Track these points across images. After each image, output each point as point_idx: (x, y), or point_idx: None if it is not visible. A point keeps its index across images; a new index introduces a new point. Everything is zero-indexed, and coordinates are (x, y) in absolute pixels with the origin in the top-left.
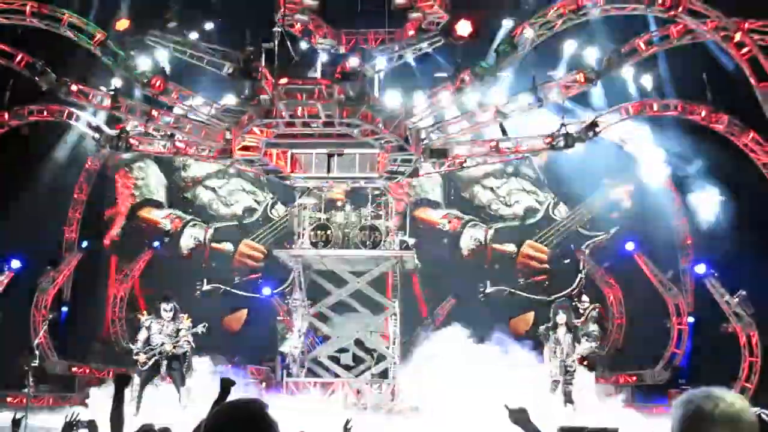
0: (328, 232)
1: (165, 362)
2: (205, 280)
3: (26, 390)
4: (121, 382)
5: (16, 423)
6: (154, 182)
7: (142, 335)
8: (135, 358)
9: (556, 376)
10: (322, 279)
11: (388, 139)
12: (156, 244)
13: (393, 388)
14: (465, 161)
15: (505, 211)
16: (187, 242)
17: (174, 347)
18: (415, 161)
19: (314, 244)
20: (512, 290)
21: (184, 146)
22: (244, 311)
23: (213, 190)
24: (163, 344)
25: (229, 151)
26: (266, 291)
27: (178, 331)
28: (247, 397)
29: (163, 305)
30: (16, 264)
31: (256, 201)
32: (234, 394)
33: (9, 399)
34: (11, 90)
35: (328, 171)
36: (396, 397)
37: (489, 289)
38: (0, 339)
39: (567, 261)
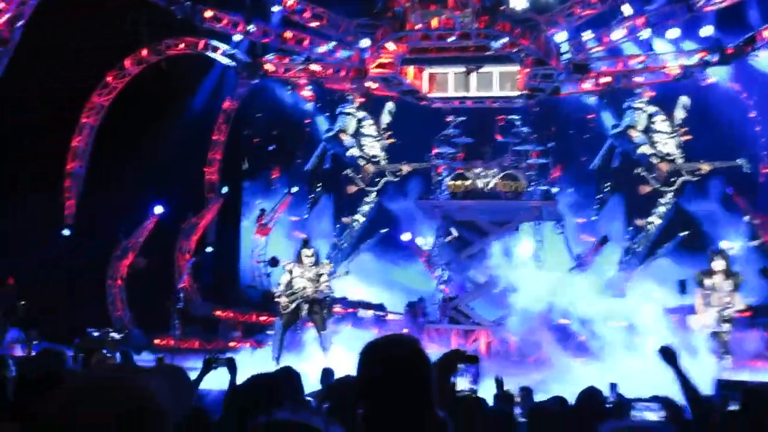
0: (468, 182)
1: (306, 306)
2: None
3: (172, 332)
4: (209, 365)
5: (207, 363)
6: None
7: (284, 279)
8: (276, 300)
9: (712, 326)
10: (462, 229)
11: (528, 52)
12: (295, 189)
13: None
14: (611, 80)
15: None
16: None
17: (315, 292)
18: (555, 77)
19: (453, 195)
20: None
21: (320, 68)
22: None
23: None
24: (304, 288)
25: (365, 71)
26: (406, 236)
27: (319, 276)
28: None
29: (305, 250)
30: (159, 210)
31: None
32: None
33: (156, 341)
34: (147, 24)
35: (467, 89)
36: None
37: None
38: (146, 284)
39: None
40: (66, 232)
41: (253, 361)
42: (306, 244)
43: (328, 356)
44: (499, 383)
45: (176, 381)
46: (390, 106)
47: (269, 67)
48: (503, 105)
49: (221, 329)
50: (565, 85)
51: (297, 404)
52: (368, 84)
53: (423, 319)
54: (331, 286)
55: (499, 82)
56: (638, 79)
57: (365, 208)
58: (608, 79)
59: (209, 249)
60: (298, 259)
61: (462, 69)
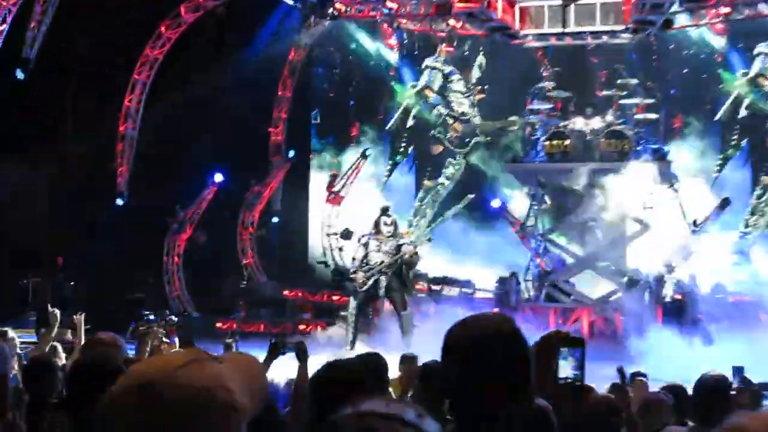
0: (566, 141)
1: (384, 283)
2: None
3: (235, 315)
4: (276, 350)
5: (274, 348)
6: None
7: (359, 253)
8: (351, 277)
9: None
10: (560, 195)
11: None
12: (371, 151)
13: None
14: (730, 11)
15: None
16: None
17: (395, 266)
18: (667, 8)
19: (550, 156)
20: None
21: (396, 6)
22: None
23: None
24: (382, 263)
25: (448, 6)
26: (496, 203)
27: (399, 247)
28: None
29: (383, 218)
30: (219, 178)
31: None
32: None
33: (218, 325)
34: None
35: (564, 24)
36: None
37: None
38: (206, 261)
39: None
40: (119, 201)
41: (325, 346)
42: (385, 212)
43: (408, 340)
44: (623, 374)
45: (250, 372)
46: (480, 60)
47: (340, 6)
48: (606, 42)
49: (289, 311)
50: (679, 17)
51: (383, 395)
52: (452, 22)
53: (516, 297)
54: (413, 258)
55: (601, 13)
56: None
57: (451, 170)
58: (727, 9)
59: (275, 220)
60: (376, 230)
61: (558, 0)
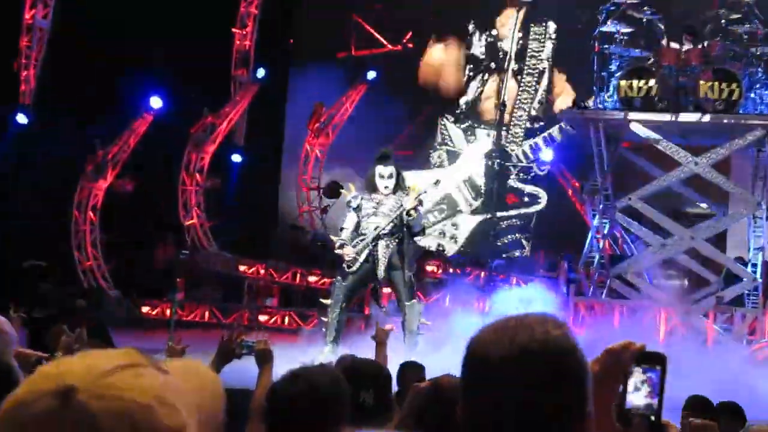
0: (651, 83)
1: (382, 258)
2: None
3: (170, 296)
4: (228, 353)
5: (225, 350)
6: None
7: (350, 219)
8: (338, 252)
9: None
10: (637, 158)
11: None
12: (372, 74)
13: (752, 322)
14: None
15: None
16: None
17: (395, 233)
18: None
19: (627, 102)
20: None
21: None
22: None
23: None
24: (377, 228)
25: None
26: (546, 155)
27: (400, 208)
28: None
29: (381, 169)
30: (156, 103)
31: None
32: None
33: (145, 310)
34: None
35: None
36: (759, 334)
37: None
38: (132, 220)
39: None
40: (22, 118)
41: (298, 347)
42: (384, 159)
43: (413, 343)
44: (726, 411)
45: (203, 388)
46: None
47: None
48: None
49: (247, 295)
50: None
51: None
52: None
53: (569, 289)
54: (419, 222)
55: None
56: None
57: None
58: None
59: (236, 159)
60: (371, 185)
61: None
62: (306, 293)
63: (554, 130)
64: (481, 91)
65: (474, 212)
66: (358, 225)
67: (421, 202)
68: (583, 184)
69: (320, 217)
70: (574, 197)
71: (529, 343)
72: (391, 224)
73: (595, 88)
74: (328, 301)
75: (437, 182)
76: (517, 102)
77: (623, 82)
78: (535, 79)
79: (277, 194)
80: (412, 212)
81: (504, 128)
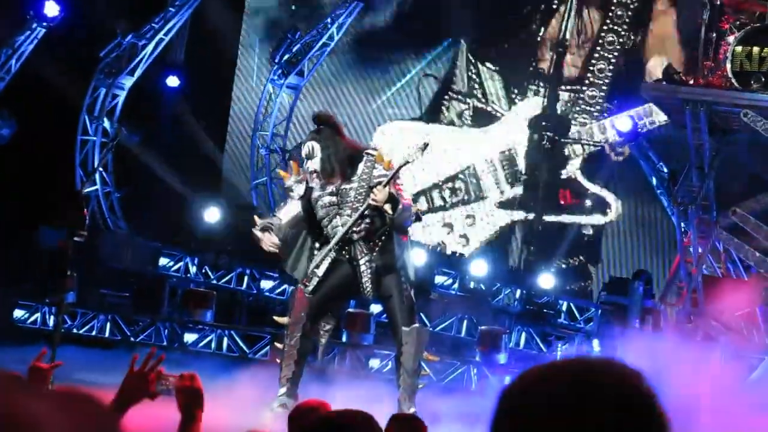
0: None
1: (367, 270)
2: None
3: (58, 298)
4: (140, 385)
5: (137, 380)
6: None
7: (289, 208)
8: (256, 235)
9: None
10: (749, 157)
11: None
12: None
13: None
14: None
15: None
16: None
17: (372, 235)
18: None
19: (742, 77)
20: None
21: None
22: None
23: None
24: (343, 228)
25: None
26: (624, 123)
27: (371, 189)
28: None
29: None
30: (52, 9)
31: None
32: None
33: (17, 313)
34: None
35: None
36: None
37: None
38: (6, 182)
39: None
40: None
41: (239, 387)
42: (312, 131)
43: (411, 391)
44: None
45: (89, 425)
46: None
47: None
48: None
49: (171, 303)
50: None
51: None
52: None
53: (643, 322)
54: (406, 215)
55: None
56: None
57: None
58: None
59: (173, 83)
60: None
61: None
62: (256, 305)
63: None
64: (544, 23)
65: (504, 206)
66: (315, 222)
67: (393, 188)
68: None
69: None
70: (662, 194)
71: (599, 395)
72: (362, 222)
73: (699, 53)
74: (285, 320)
75: (425, 146)
76: (599, 47)
77: (739, 49)
78: (631, 12)
79: (220, 154)
80: (387, 209)
81: (567, 86)
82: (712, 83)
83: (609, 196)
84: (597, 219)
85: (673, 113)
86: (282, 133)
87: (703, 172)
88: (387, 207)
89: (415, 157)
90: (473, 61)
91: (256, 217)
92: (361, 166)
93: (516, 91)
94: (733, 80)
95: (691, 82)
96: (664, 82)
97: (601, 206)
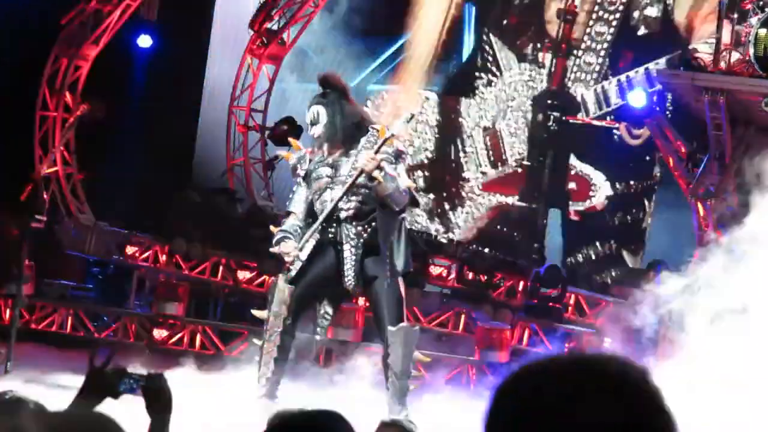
0: None
1: (351, 257)
2: None
3: (13, 293)
4: (102, 381)
5: (96, 376)
6: None
7: (298, 199)
8: (275, 251)
9: None
10: None
11: None
12: None
13: None
14: None
15: None
16: None
17: (361, 209)
18: None
19: (765, 62)
20: None
21: None
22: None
23: None
24: (333, 202)
25: None
26: (637, 97)
27: (376, 166)
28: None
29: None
30: None
31: None
32: None
33: None
34: None
35: None
36: None
37: None
38: None
39: None
40: None
41: (213, 387)
42: (318, 95)
43: (400, 396)
44: None
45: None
46: None
47: None
48: None
49: (138, 295)
50: None
51: None
52: None
53: (656, 318)
54: (394, 188)
55: None
56: None
57: None
58: None
59: (144, 43)
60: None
61: None
62: (232, 298)
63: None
64: None
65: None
66: (312, 206)
67: (391, 154)
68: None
69: (263, 176)
70: (680, 176)
71: (594, 395)
72: (352, 199)
73: (718, 35)
74: (263, 314)
75: (410, 117)
76: (597, 5)
77: (763, 32)
78: None
79: (193, 130)
80: (376, 173)
81: (567, 51)
82: (732, 69)
83: (598, 177)
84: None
85: (692, 102)
86: (261, 109)
87: (723, 164)
88: (377, 174)
89: (399, 129)
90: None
91: (272, 227)
92: (362, 140)
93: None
94: (756, 66)
95: (710, 68)
96: (681, 68)
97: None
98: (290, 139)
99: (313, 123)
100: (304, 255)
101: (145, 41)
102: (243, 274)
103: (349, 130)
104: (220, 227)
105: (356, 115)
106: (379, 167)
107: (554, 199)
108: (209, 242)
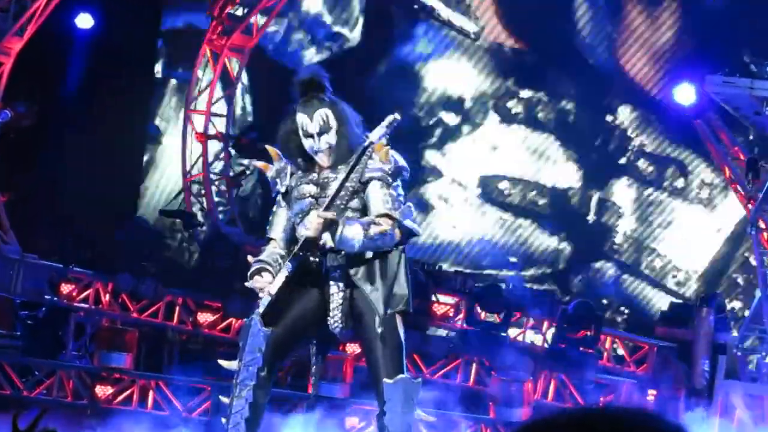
0: None
1: (338, 292)
2: None
3: None
4: None
5: None
6: None
7: (278, 221)
8: (250, 285)
9: None
10: None
11: None
12: None
13: None
14: None
15: None
16: None
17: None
18: None
19: None
20: None
21: None
22: None
23: None
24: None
25: None
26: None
27: (365, 184)
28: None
29: (300, 116)
30: None
31: None
32: None
33: None
34: None
35: None
36: None
37: None
38: None
39: None
40: None
41: None
42: (307, 95)
43: None
44: None
45: None
46: None
47: None
48: None
49: (76, 343)
50: None
51: None
52: None
53: (716, 365)
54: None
55: None
56: None
57: None
58: None
59: (84, 23)
60: (296, 151)
61: None
62: (192, 345)
63: None
64: None
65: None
66: (294, 231)
67: (386, 172)
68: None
69: (227, 194)
70: (737, 189)
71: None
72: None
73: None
74: (232, 364)
75: (394, 120)
76: None
77: None
78: None
79: (145, 136)
80: (326, 238)
81: None
82: None
83: None
84: None
85: (751, 115)
86: (224, 113)
87: None
88: (325, 236)
89: (381, 134)
90: None
91: (249, 258)
92: (353, 157)
93: None
94: None
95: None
96: (738, 75)
97: None
98: (268, 147)
99: (324, 131)
100: (275, 287)
101: (84, 21)
102: (204, 317)
103: (351, 140)
104: (175, 259)
105: (357, 117)
106: (330, 227)
107: None
108: (162, 277)
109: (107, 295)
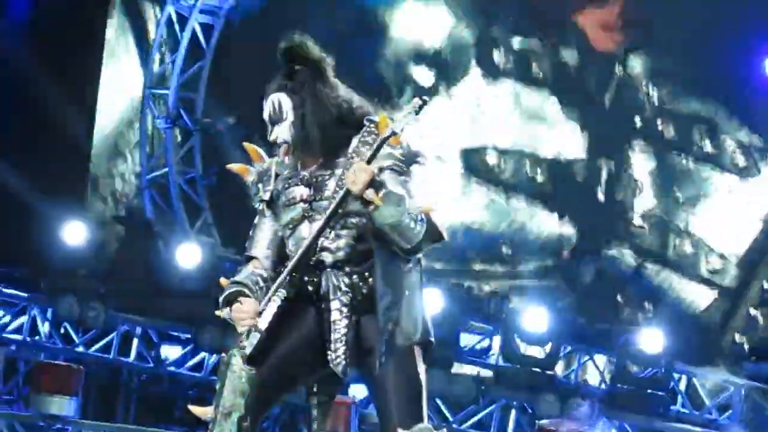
0: None
1: (341, 321)
2: None
3: None
4: None
5: None
6: None
7: (263, 234)
8: (221, 314)
9: None
10: None
11: None
12: None
13: None
14: None
15: None
16: None
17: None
18: None
19: None
20: None
21: None
22: None
23: None
24: (321, 247)
25: None
26: None
27: (368, 182)
28: None
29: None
30: None
31: None
32: None
33: None
34: None
35: None
36: None
37: None
38: None
39: None
40: None
41: None
42: (281, 74)
43: None
44: None
45: None
46: None
47: None
48: None
49: (10, 387)
50: None
51: None
52: None
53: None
54: (398, 216)
55: None
56: None
57: None
58: None
59: None
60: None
61: None
62: (153, 387)
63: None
64: None
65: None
66: (283, 247)
67: (400, 158)
68: None
69: (197, 197)
70: None
71: None
72: (341, 235)
73: None
74: (206, 411)
75: (422, 105)
76: None
77: None
78: None
79: (89, 127)
80: (369, 193)
81: None
82: None
83: None
84: None
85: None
86: (192, 94)
87: None
88: (370, 193)
89: (405, 123)
90: None
91: (222, 280)
92: (354, 141)
93: None
94: None
95: None
96: None
97: None
98: (246, 144)
99: (275, 121)
100: (263, 321)
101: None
102: (169, 351)
103: (331, 127)
104: (131, 278)
105: (342, 102)
106: (374, 183)
107: None
108: (115, 302)
109: (45, 324)
